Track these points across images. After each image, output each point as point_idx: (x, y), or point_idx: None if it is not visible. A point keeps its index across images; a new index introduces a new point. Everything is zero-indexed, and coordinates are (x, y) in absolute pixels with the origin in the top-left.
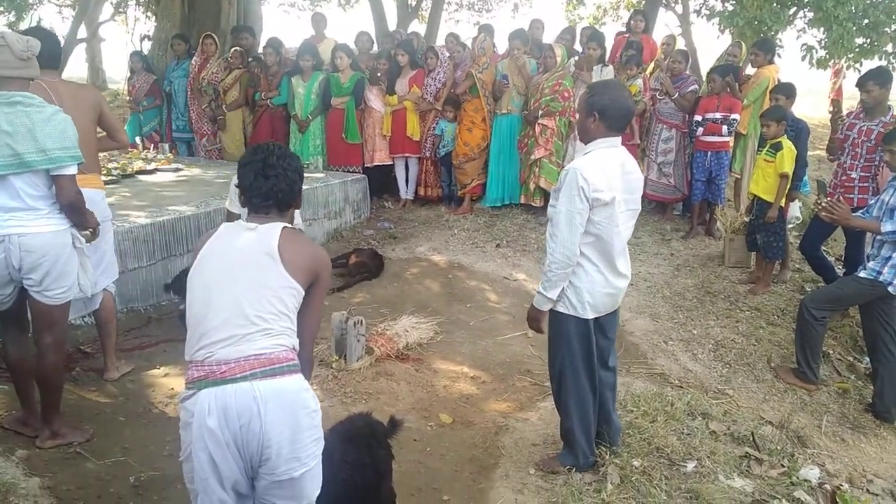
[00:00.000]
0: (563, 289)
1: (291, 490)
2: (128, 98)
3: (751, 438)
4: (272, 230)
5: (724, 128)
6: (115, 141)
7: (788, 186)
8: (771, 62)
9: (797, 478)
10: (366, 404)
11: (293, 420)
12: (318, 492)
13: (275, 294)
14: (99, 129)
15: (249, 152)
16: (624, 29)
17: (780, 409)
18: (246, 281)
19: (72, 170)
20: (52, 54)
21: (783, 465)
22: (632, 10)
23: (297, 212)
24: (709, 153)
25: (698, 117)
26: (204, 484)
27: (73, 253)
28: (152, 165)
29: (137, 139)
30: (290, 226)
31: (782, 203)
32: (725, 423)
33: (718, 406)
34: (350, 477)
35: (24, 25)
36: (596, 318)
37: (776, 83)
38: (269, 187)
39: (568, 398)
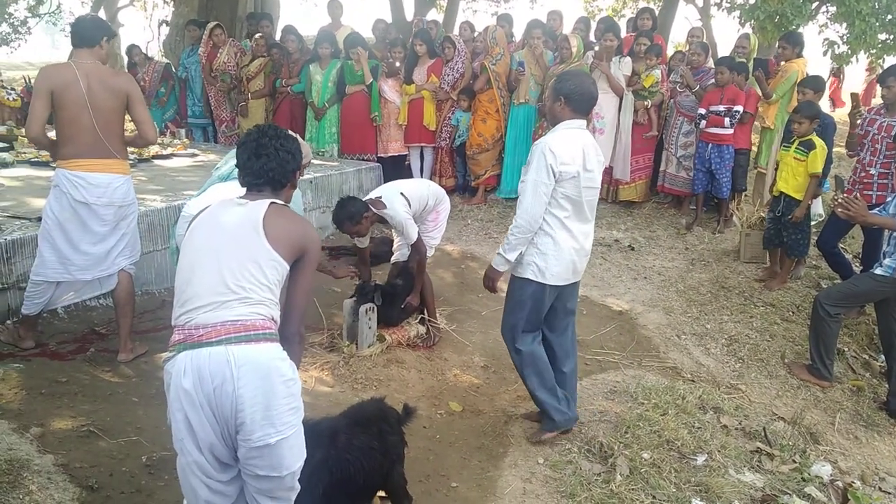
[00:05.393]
0: (532, 256)
1: (270, 458)
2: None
3: (762, 434)
4: (260, 205)
5: (727, 120)
6: (141, 137)
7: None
8: (799, 55)
9: (809, 474)
10: (376, 391)
11: (267, 386)
12: (299, 463)
13: (256, 265)
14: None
15: (245, 134)
16: (629, 28)
17: (793, 406)
18: (230, 251)
19: None
20: (82, 35)
21: (795, 461)
22: (637, 10)
23: (298, 197)
24: (709, 145)
25: (702, 110)
26: (180, 444)
27: None
28: (168, 150)
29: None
30: (279, 202)
31: (809, 202)
32: (737, 418)
33: (730, 401)
34: (357, 459)
35: (43, 10)
36: (556, 289)
37: (804, 77)
38: (261, 166)
39: (525, 366)
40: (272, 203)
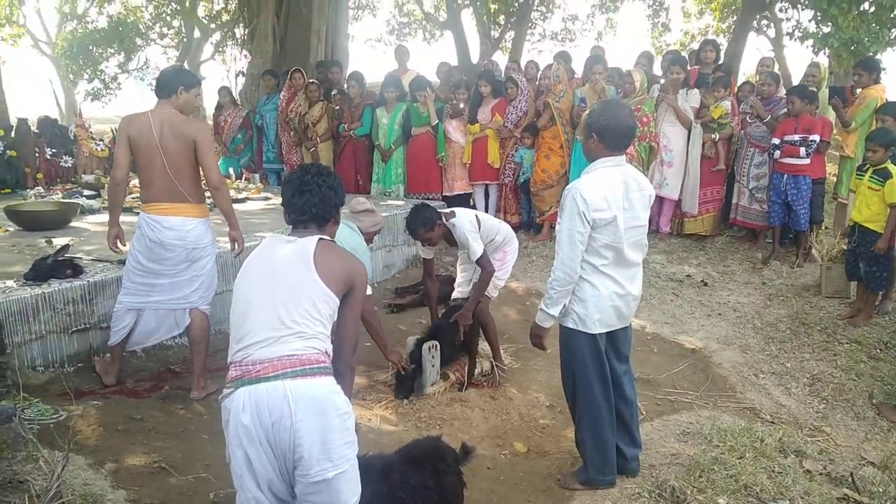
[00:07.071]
0: (572, 304)
1: (328, 493)
2: (219, 136)
3: (850, 479)
4: (309, 242)
5: (803, 149)
6: (207, 182)
7: None
8: (877, 82)
9: None
10: (439, 430)
11: (323, 419)
12: (356, 498)
13: (309, 300)
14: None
15: (290, 173)
16: (693, 60)
17: (883, 450)
18: (283, 288)
19: None
20: (161, 85)
21: None
22: (702, 40)
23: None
24: (785, 176)
25: (776, 140)
26: (240, 481)
27: None
28: (243, 195)
29: (231, 170)
30: (326, 238)
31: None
32: (821, 462)
33: (814, 444)
34: (410, 499)
35: (132, 66)
36: (608, 334)
37: (884, 103)
38: (304, 202)
39: (580, 413)
40: (320, 239)
